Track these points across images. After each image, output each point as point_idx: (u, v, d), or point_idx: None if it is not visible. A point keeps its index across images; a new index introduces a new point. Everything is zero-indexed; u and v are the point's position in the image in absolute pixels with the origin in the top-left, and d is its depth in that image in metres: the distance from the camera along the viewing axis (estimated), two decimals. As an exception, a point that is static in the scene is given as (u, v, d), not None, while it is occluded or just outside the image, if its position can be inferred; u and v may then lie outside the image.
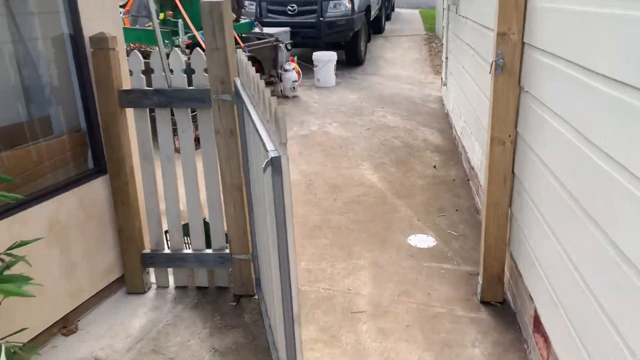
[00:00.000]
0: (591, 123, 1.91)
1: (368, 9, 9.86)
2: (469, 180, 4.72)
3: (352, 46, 9.20)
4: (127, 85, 3.01)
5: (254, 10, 8.69)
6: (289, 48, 7.60)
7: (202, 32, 6.38)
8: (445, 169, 5.02)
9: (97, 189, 3.03)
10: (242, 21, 7.04)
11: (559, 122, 2.24)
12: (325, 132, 6.18)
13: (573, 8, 2.07)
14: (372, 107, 7.17)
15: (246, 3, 8.88)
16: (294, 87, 7.50)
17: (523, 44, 2.68)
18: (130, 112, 3.04)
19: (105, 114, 2.95)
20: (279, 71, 7.44)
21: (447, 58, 6.64)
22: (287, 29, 8.04)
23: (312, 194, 4.56)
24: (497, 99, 2.76)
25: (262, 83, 1.95)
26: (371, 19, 10.66)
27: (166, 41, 5.79)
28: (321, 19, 8.48)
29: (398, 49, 11.22)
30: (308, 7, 8.59)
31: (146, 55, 6.60)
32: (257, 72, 6.42)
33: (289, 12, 8.64)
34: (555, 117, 2.29)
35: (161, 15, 6.28)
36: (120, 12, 6.38)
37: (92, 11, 2.92)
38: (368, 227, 3.94)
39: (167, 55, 2.92)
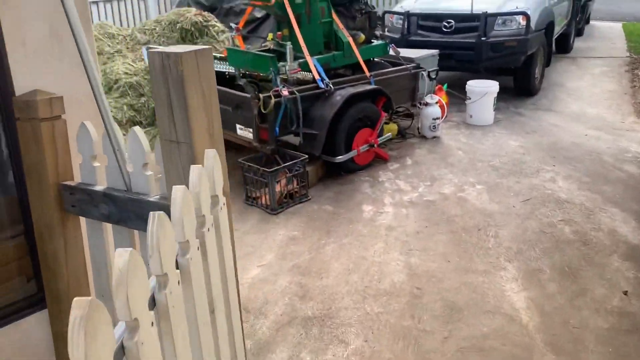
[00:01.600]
0: None
1: (550, 25, 7.68)
2: (689, 336, 2.77)
3: (522, 72, 7.17)
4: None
5: (401, 27, 7.17)
6: (434, 77, 6.01)
7: (317, 56, 5.14)
8: (645, 301, 3.09)
9: (32, 329, 1.93)
10: (375, 43, 5.64)
11: None
12: (462, 200, 4.51)
13: None
14: (537, 162, 5.27)
15: (393, 19, 7.43)
16: (434, 126, 5.90)
17: None
18: (83, 221, 1.88)
19: (38, 222, 1.82)
20: (418, 105, 5.91)
21: (662, 106, 4.51)
22: (435, 51, 6.41)
23: (415, 318, 3.02)
24: None
25: None
26: (554, 37, 8.45)
27: (270, 69, 4.64)
28: (483, 39, 6.67)
29: (587, 75, 8.82)
30: (467, 24, 6.82)
31: (257, 83, 5.57)
32: (383, 109, 4.91)
33: (444, 29, 6.97)
34: None
35: (269, 36, 5.16)
36: (233, 32, 5.39)
37: (26, 54, 1.79)
38: (489, 419, 2.31)
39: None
